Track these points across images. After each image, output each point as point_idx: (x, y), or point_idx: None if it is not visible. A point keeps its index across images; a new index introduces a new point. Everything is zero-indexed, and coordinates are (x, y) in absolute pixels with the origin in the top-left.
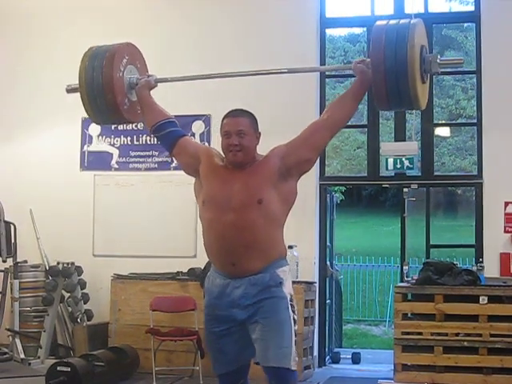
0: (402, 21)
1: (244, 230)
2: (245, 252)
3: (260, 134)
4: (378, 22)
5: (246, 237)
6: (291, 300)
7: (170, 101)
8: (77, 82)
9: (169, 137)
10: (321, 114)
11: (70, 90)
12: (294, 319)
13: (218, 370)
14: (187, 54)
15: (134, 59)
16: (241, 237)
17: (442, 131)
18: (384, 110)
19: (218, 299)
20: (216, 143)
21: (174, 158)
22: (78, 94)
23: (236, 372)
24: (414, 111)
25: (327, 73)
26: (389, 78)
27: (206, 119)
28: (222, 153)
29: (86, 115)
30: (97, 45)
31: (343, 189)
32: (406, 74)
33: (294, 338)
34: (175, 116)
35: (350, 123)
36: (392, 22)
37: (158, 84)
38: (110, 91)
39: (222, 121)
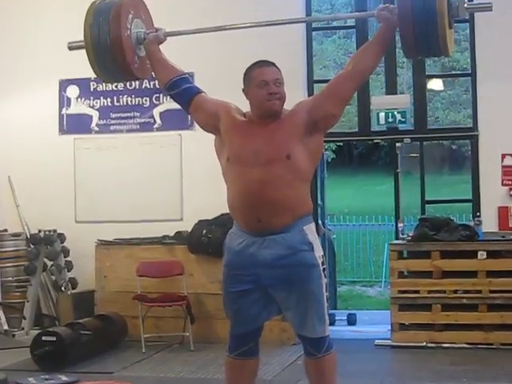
0: None
1: (271, 185)
2: (271, 207)
3: None
4: None
5: (273, 192)
6: (323, 263)
7: None
8: (69, 37)
9: (184, 94)
10: (308, 70)
11: (72, 48)
12: (325, 285)
13: (236, 331)
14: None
15: (138, 11)
16: (267, 192)
17: (435, 84)
18: (411, 59)
19: (240, 258)
20: None
21: (190, 116)
22: (53, 56)
23: (252, 333)
24: (404, 64)
25: (313, 25)
26: (417, 28)
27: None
28: (239, 107)
29: (63, 77)
30: None
31: (334, 147)
32: (436, 22)
33: (326, 305)
34: None
35: None
36: None
37: None
38: (120, 52)
39: (250, 72)
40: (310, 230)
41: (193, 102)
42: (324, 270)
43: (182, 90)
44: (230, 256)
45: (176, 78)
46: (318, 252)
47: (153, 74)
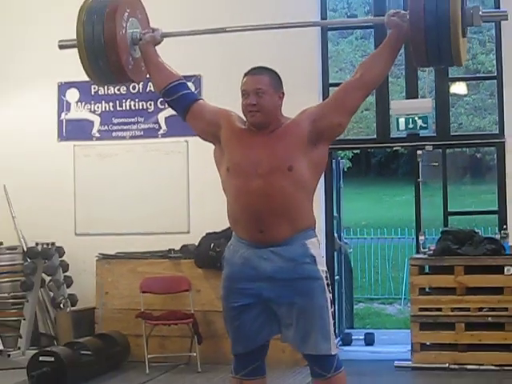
0: None
1: (273, 196)
2: (273, 219)
3: (283, 93)
4: None
5: (275, 203)
6: (326, 278)
7: None
8: (68, 37)
9: (181, 101)
10: (323, 73)
11: (63, 46)
12: (330, 301)
13: (237, 350)
14: (180, 13)
15: (134, 10)
16: (269, 203)
17: (459, 88)
18: (421, 67)
19: (242, 271)
20: None
21: (188, 124)
22: (55, 57)
23: (255, 352)
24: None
25: (329, 26)
26: (429, 36)
27: (196, 80)
28: (243, 115)
29: (62, 80)
30: None
31: (350, 155)
32: (449, 30)
33: (331, 322)
34: None
35: None
36: None
37: None
38: (114, 52)
39: (242, 80)
40: (313, 244)
41: (190, 109)
42: (328, 284)
43: (180, 96)
44: (231, 269)
45: (173, 83)
46: (322, 266)
47: (147, 76)
